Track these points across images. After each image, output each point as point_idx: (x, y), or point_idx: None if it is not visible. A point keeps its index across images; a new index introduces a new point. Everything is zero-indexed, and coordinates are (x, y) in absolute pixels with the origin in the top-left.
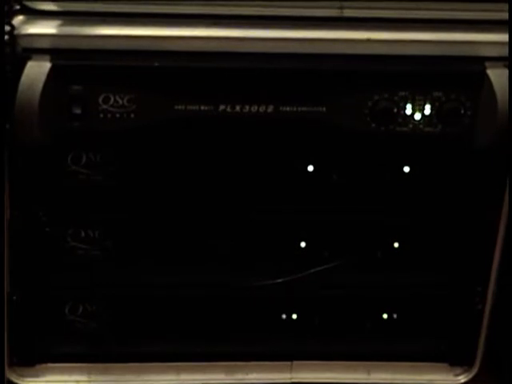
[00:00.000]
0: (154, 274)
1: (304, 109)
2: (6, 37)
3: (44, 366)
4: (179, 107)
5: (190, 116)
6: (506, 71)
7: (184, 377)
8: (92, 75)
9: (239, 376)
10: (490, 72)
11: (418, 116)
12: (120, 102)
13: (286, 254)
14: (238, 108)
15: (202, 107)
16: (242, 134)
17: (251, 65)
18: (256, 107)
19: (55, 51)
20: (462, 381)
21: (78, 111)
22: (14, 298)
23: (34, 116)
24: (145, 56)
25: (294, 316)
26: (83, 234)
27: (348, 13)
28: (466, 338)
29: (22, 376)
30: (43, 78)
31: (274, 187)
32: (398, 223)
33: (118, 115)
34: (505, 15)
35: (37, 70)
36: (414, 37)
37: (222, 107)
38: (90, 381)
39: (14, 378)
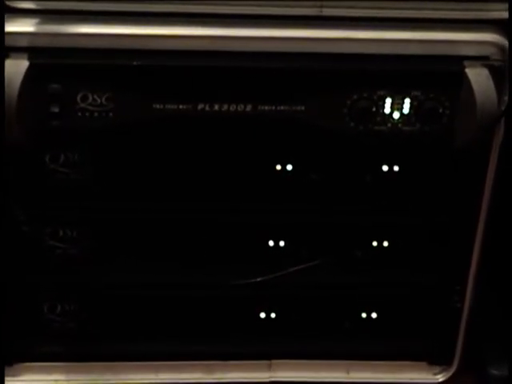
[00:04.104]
0: (132, 274)
1: (283, 108)
2: None
3: (22, 365)
4: (157, 106)
5: (168, 115)
6: (485, 70)
7: (162, 376)
8: (70, 74)
9: (218, 375)
10: (468, 71)
11: (396, 115)
12: (98, 100)
13: (265, 253)
14: (216, 107)
15: (181, 106)
16: (221, 133)
17: (230, 63)
18: (235, 106)
19: (33, 49)
20: (441, 379)
21: (56, 110)
22: None
23: (11, 114)
24: (123, 55)
25: (273, 315)
26: (61, 233)
27: (327, 12)
28: (445, 337)
29: None
30: (21, 76)
31: (253, 186)
32: (376, 222)
33: (96, 114)
34: (483, 14)
35: (14, 69)
36: (392, 36)
37: (200, 106)
38: (68, 380)
39: None
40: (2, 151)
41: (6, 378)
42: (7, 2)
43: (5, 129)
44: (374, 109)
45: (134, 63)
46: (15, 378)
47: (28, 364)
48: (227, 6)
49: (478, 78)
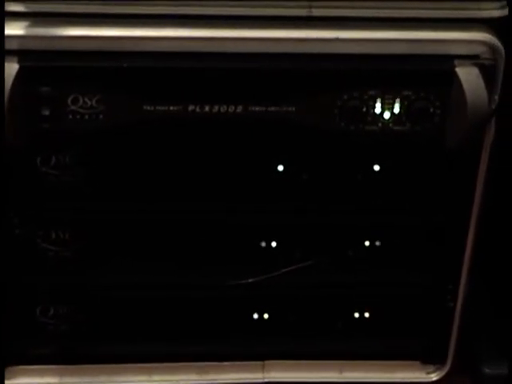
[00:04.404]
0: (125, 276)
1: (273, 108)
2: None
3: (15, 368)
4: (148, 108)
5: (159, 116)
6: (476, 69)
7: (156, 378)
8: (60, 76)
9: (211, 376)
10: (459, 70)
11: (387, 115)
12: (89, 102)
13: (257, 254)
14: (207, 108)
15: (171, 107)
16: (212, 135)
17: (220, 65)
18: (225, 107)
19: (23, 52)
20: (434, 379)
21: (47, 113)
22: None
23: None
24: (113, 57)
25: (266, 316)
26: (54, 235)
27: (317, 12)
28: (438, 336)
29: None
30: (11, 79)
31: (245, 187)
32: (368, 222)
33: (86, 116)
34: (474, 13)
35: (5, 72)
36: (382, 35)
37: (191, 107)
38: (61, 383)
39: None
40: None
41: None
42: None
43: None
44: (364, 109)
45: (124, 65)
46: (7, 382)
47: (21, 367)
48: (217, 7)
49: (469, 77)
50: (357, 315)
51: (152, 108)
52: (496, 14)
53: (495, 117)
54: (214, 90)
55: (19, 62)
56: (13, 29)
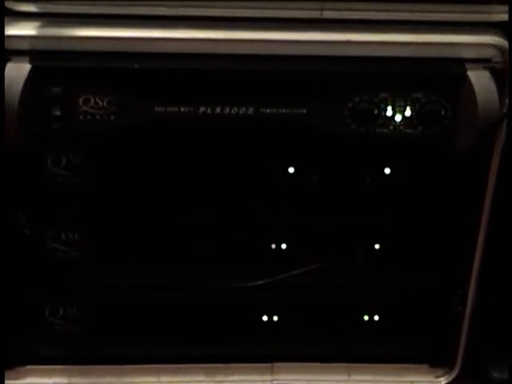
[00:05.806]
0: (134, 277)
1: (284, 111)
2: None
3: (23, 368)
4: (159, 109)
5: (170, 118)
6: (487, 73)
7: (164, 379)
8: (72, 77)
9: (219, 378)
10: (470, 74)
11: (398, 118)
12: (100, 103)
13: (266, 256)
14: (218, 110)
15: (182, 109)
16: (223, 136)
17: (231, 66)
18: (236, 109)
19: (35, 53)
20: (443, 382)
21: (58, 113)
22: None
23: (13, 118)
24: (125, 58)
25: (275, 318)
26: (63, 235)
27: (328, 14)
28: (447, 340)
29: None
30: (22, 79)
31: (255, 189)
32: (378, 225)
33: (97, 117)
34: (485, 17)
35: (16, 72)
36: (394, 38)
37: (202, 109)
38: (69, 383)
39: None
40: (2, 153)
41: (7, 382)
42: (9, 5)
43: (4, 131)
44: (375, 111)
45: (136, 66)
46: (16, 382)
47: (29, 367)
48: (229, 8)
49: (480, 80)
50: (366, 318)
51: (163, 109)
52: (507, 17)
53: (506, 120)
54: (225, 92)
55: (31, 62)
56: (24, 29)
